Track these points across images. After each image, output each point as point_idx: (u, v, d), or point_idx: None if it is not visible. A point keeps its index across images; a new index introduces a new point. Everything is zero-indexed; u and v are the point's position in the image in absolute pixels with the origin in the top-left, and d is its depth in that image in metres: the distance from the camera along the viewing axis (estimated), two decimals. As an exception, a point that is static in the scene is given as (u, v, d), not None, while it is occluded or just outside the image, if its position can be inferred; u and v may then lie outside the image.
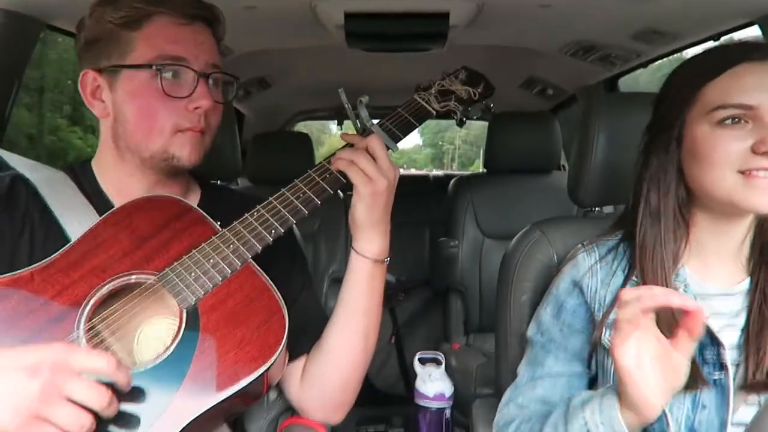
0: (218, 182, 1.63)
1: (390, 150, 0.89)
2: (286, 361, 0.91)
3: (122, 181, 0.91)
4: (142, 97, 0.85)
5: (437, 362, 1.82)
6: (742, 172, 0.76)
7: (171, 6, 0.85)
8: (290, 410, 1.04)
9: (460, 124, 1.02)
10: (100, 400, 0.63)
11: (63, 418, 0.61)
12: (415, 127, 0.95)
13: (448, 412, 1.73)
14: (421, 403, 1.72)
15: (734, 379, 0.80)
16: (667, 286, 0.82)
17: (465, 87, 1.01)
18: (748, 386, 0.79)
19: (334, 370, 0.94)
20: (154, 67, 0.84)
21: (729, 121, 0.77)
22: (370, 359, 0.96)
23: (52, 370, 0.62)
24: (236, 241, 0.81)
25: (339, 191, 0.90)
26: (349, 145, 0.89)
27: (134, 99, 0.86)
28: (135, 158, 0.89)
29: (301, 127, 4.10)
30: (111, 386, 0.66)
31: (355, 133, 0.93)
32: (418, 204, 3.13)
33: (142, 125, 0.86)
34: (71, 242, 0.81)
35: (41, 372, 0.61)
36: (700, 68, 0.83)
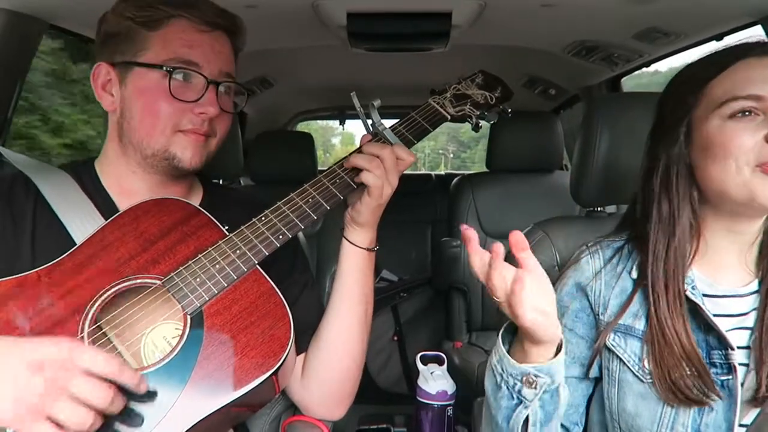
0: (220, 181, 1.64)
1: None
2: (295, 364, 0.91)
3: (124, 178, 0.92)
4: (149, 95, 0.86)
5: (439, 361, 1.83)
6: (758, 166, 0.75)
7: (193, 11, 0.86)
8: (293, 408, 1.04)
9: (476, 128, 1.01)
10: (104, 399, 0.63)
11: (65, 414, 0.62)
12: (428, 132, 0.94)
13: (450, 410, 1.73)
14: (424, 400, 1.73)
15: (743, 382, 0.80)
16: (678, 292, 0.81)
17: (482, 91, 1.00)
18: (759, 399, 0.78)
19: (334, 362, 0.95)
20: (164, 69, 0.85)
21: (740, 114, 0.77)
22: (366, 349, 0.98)
23: (56, 366, 0.62)
24: (243, 246, 0.81)
25: None
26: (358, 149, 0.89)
27: (141, 96, 0.87)
28: (137, 155, 0.89)
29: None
30: (120, 386, 0.66)
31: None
32: (421, 203, 3.13)
33: (146, 122, 0.87)
34: (78, 244, 0.81)
35: (46, 368, 0.62)
36: (702, 68, 0.83)
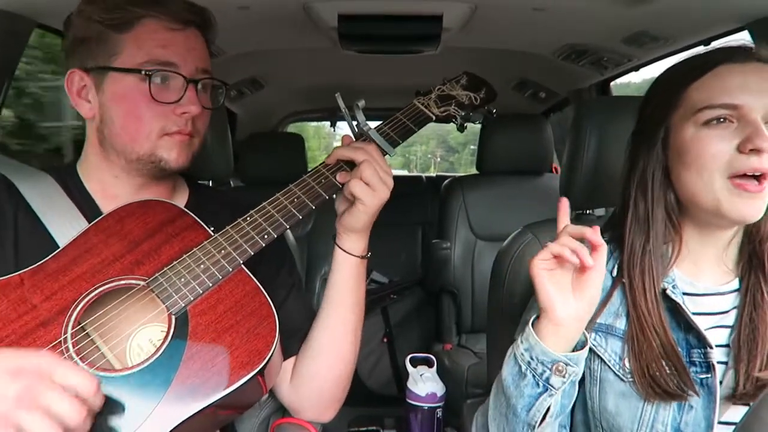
0: (209, 183, 1.62)
1: (387, 154, 0.90)
2: (282, 364, 0.90)
3: (107, 182, 0.91)
4: (129, 100, 0.84)
5: (429, 363, 1.83)
6: (729, 178, 0.76)
7: (162, 10, 0.84)
8: (281, 410, 1.04)
9: (461, 129, 1.02)
10: (75, 417, 0.61)
11: (32, 426, 0.60)
12: (413, 132, 0.94)
13: (439, 412, 1.73)
14: (413, 402, 1.73)
15: (721, 380, 0.80)
16: (655, 291, 0.82)
17: (466, 92, 1.00)
18: (737, 396, 0.79)
19: (325, 367, 0.95)
20: (143, 72, 0.83)
21: (714, 122, 0.78)
22: (357, 354, 0.98)
23: (33, 375, 0.61)
24: (228, 246, 0.81)
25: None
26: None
27: (121, 102, 0.85)
28: (120, 160, 0.88)
29: (310, 134, 4.07)
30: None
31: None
32: (411, 205, 3.13)
33: (129, 128, 0.85)
34: (62, 247, 0.80)
35: (23, 377, 0.61)
36: (683, 71, 0.84)
